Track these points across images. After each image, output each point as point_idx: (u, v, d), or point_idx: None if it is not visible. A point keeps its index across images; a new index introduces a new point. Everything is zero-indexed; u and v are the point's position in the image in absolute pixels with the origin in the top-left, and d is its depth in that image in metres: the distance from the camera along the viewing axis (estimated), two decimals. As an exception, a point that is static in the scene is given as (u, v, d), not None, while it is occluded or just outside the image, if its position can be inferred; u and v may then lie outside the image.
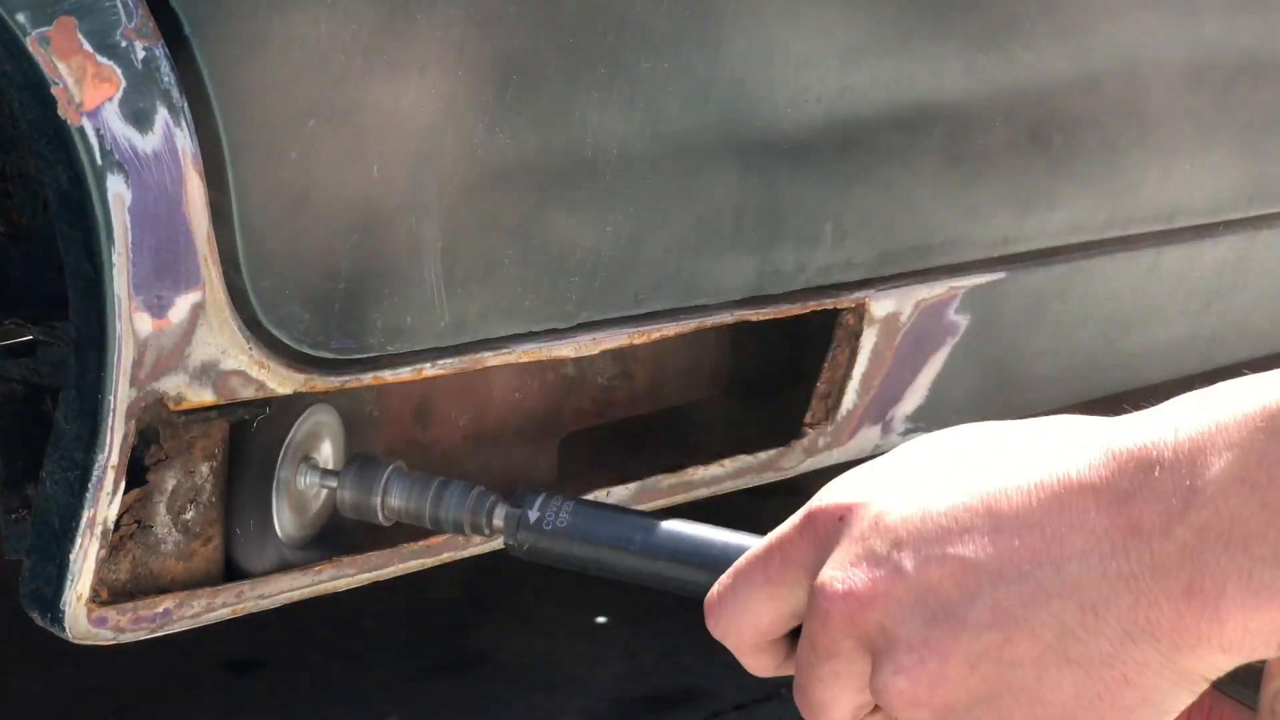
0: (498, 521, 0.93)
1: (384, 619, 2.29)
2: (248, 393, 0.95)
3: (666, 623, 2.28)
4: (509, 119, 1.00)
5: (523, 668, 2.18)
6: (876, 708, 0.67)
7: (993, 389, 1.35)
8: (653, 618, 2.31)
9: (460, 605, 2.34)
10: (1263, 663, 0.63)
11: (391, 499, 0.98)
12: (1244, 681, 0.63)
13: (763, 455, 1.23)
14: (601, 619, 2.32)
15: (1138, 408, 0.62)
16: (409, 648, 2.24)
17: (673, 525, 0.82)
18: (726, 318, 1.15)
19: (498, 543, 1.11)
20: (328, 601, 1.16)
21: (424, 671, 2.18)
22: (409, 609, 2.31)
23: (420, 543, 1.08)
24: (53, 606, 0.94)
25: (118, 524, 0.95)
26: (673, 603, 2.56)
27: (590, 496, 1.16)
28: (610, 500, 1.17)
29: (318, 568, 1.04)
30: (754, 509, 2.67)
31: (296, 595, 1.05)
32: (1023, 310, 1.34)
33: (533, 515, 0.86)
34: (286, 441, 1.00)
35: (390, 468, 0.98)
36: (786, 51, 1.12)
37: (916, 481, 0.65)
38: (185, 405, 0.94)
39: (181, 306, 0.91)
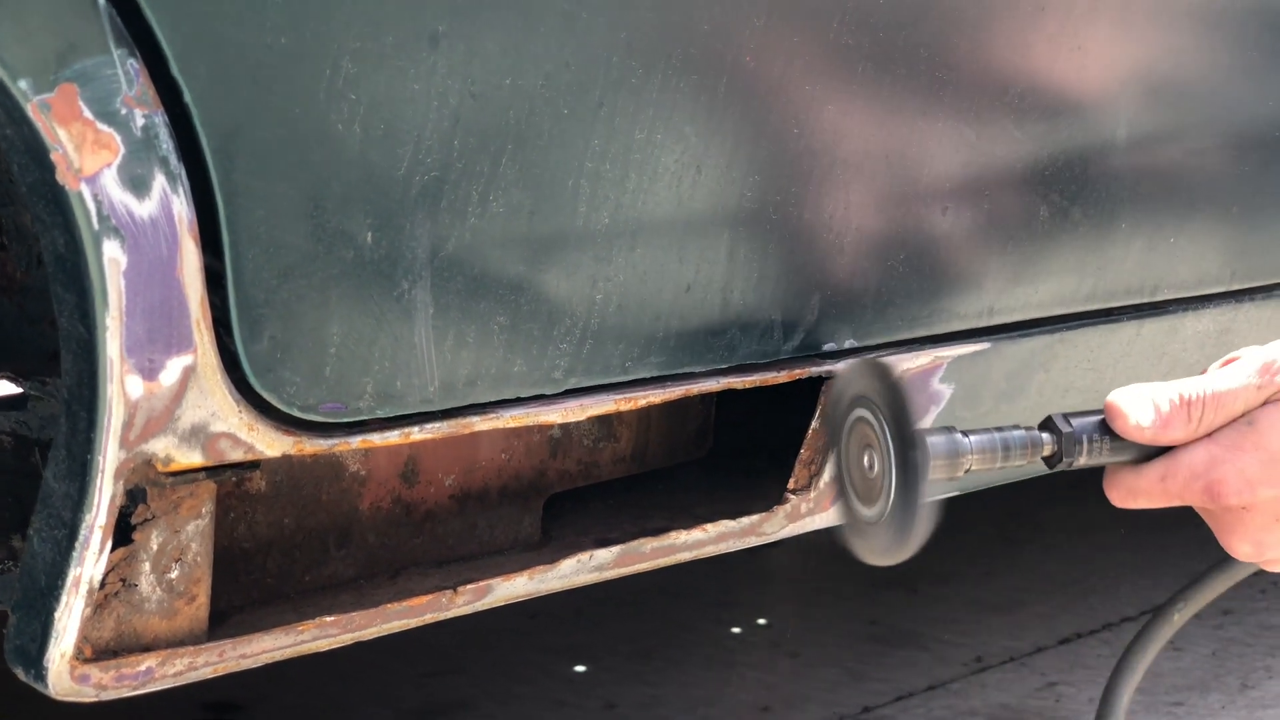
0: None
1: (363, 663, 2.29)
2: (236, 455, 0.96)
3: (646, 672, 2.29)
4: (502, 187, 1.01)
5: (502, 715, 2.18)
6: None
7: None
8: (633, 665, 2.31)
9: (440, 651, 2.34)
10: None
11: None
12: None
13: (745, 520, 1.23)
14: (580, 667, 2.32)
15: None
16: (388, 692, 2.24)
17: None
18: (712, 385, 1.16)
19: (484, 603, 1.13)
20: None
21: (402, 716, 2.18)
22: (389, 653, 2.31)
23: (403, 603, 1.09)
24: (36, 663, 0.95)
25: (103, 582, 0.95)
26: (654, 650, 2.56)
27: (574, 560, 1.17)
28: (593, 563, 1.18)
29: (300, 627, 1.05)
30: (742, 564, 2.67)
31: (279, 655, 1.05)
32: (1006, 380, 1.35)
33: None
34: None
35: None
36: (780, 123, 1.13)
37: None
38: (174, 467, 0.94)
39: (173, 369, 0.92)
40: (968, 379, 1.32)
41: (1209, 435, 1.04)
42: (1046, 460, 1.08)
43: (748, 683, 2.27)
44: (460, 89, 0.97)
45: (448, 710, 2.19)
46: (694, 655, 2.36)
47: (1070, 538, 2.81)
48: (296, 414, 0.97)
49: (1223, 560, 1.62)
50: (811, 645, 2.38)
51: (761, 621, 2.48)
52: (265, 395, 0.96)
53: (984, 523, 2.88)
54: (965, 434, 1.05)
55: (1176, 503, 1.06)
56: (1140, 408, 1.04)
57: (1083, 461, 1.07)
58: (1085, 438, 1.06)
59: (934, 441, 1.03)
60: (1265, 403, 1.03)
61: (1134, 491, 1.07)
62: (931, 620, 2.48)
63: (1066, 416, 1.07)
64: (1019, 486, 1.81)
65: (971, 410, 1.34)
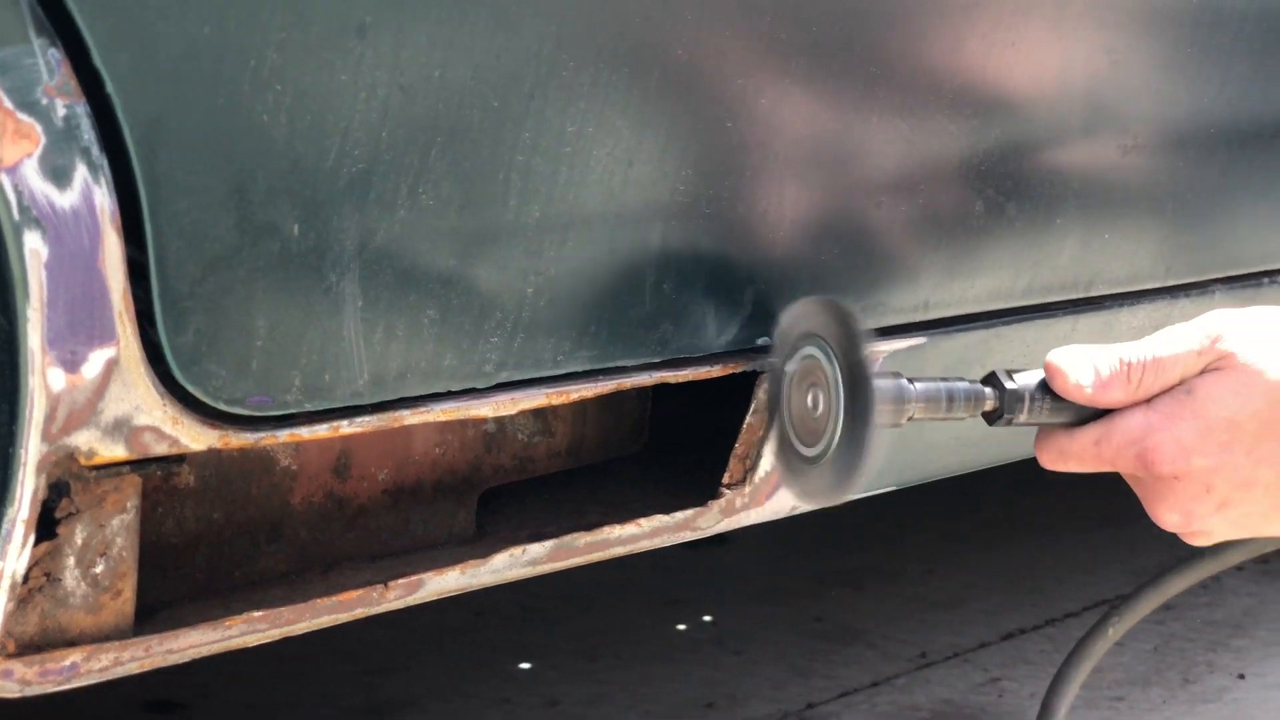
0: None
1: (307, 661, 2.28)
2: (160, 448, 0.95)
3: (592, 669, 2.29)
4: (431, 180, 1.01)
5: (446, 713, 2.17)
6: None
7: (910, 452, 1.36)
8: (578, 662, 2.31)
9: (384, 649, 2.34)
10: None
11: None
12: None
13: (679, 515, 1.23)
14: (526, 665, 2.31)
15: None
16: (331, 691, 2.23)
17: None
18: (645, 379, 1.16)
19: (416, 598, 1.12)
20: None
21: (345, 715, 2.17)
22: (333, 652, 2.30)
23: (333, 598, 1.08)
24: (-42, 659, 0.94)
25: (26, 577, 0.94)
26: (600, 648, 2.55)
27: (507, 554, 1.17)
28: (526, 557, 1.18)
29: (228, 622, 1.04)
30: (689, 561, 2.67)
31: (206, 650, 1.05)
32: (942, 374, 1.36)
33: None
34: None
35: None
36: (712, 117, 1.13)
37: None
38: (97, 460, 0.94)
39: (95, 362, 0.91)
40: (904, 372, 1.32)
41: (1147, 403, 1.03)
42: (987, 416, 1.07)
43: (692, 679, 2.27)
44: (388, 81, 0.97)
45: (391, 708, 2.19)
46: (639, 652, 2.35)
47: (1016, 535, 2.82)
48: (222, 407, 0.97)
49: (1169, 567, 1.64)
50: (757, 642, 2.39)
51: (707, 619, 2.48)
52: (190, 388, 0.95)
53: (930, 520, 2.89)
54: (911, 381, 1.05)
55: (1107, 468, 1.05)
56: (1081, 367, 1.04)
57: (1023, 419, 1.06)
58: (1027, 395, 1.06)
59: (881, 385, 1.02)
60: (1204, 370, 1.03)
61: (1065, 454, 1.06)
62: (877, 617, 2.49)
63: (1009, 373, 1.07)
64: (966, 483, 1.82)
65: (907, 405, 1.34)
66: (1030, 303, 1.39)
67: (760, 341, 1.21)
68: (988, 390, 1.06)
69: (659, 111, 1.10)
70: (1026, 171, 1.33)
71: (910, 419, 1.04)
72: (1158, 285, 1.48)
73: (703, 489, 1.27)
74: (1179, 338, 1.03)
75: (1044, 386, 1.05)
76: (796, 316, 1.05)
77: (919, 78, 1.24)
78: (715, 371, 1.20)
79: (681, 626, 2.45)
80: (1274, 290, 1.58)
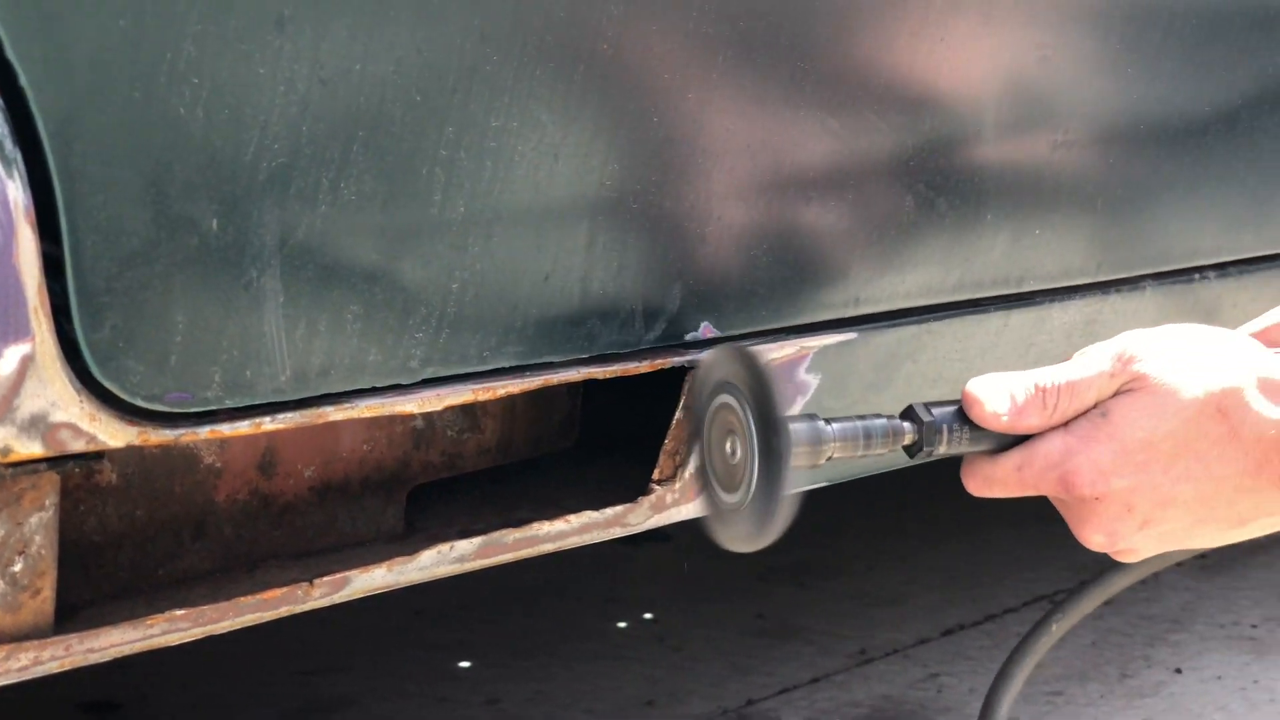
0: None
1: (245, 661, 2.26)
2: (78, 445, 0.94)
3: (531, 667, 2.28)
4: (353, 174, 1.00)
5: (385, 712, 2.17)
6: None
7: (842, 448, 1.36)
8: (518, 661, 2.30)
9: (324, 649, 2.32)
10: None
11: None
12: None
13: (609, 511, 1.23)
14: (465, 663, 2.31)
15: None
16: (269, 691, 2.22)
17: None
18: (573, 375, 1.16)
19: (342, 595, 1.11)
20: (187, 642, 1.15)
21: (284, 714, 2.16)
22: (271, 652, 2.29)
23: (256, 596, 1.07)
24: None
25: (-59, 576, 0.93)
26: (540, 646, 2.55)
27: (434, 551, 1.16)
28: (454, 554, 1.17)
29: (149, 621, 1.03)
30: (630, 559, 2.67)
31: (128, 649, 1.04)
32: (874, 370, 1.36)
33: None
34: None
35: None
36: (639, 112, 1.13)
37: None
38: (13, 458, 0.92)
39: (10, 358, 0.90)
40: (834, 369, 1.32)
41: (1065, 426, 1.05)
42: (907, 449, 1.08)
43: (632, 677, 2.27)
44: (308, 74, 0.96)
45: (330, 708, 2.18)
46: (580, 650, 2.35)
47: (957, 531, 2.83)
48: (141, 404, 0.96)
49: (1107, 572, 1.65)
50: (698, 639, 2.39)
51: (648, 616, 2.48)
52: (107, 385, 0.94)
53: (871, 516, 2.90)
54: (828, 422, 1.05)
55: (1031, 492, 1.07)
56: (996, 396, 1.05)
57: (943, 450, 1.07)
58: (945, 427, 1.07)
59: (796, 429, 1.03)
60: (1117, 392, 1.04)
61: (990, 480, 1.08)
62: (818, 613, 2.49)
63: (928, 406, 1.08)
64: (907, 479, 1.83)
65: (839, 400, 1.34)
66: (962, 298, 1.40)
67: (689, 337, 1.21)
68: (906, 424, 1.07)
69: (584, 106, 1.09)
70: (957, 167, 1.33)
71: (829, 459, 1.04)
72: (1089, 281, 1.49)
73: (634, 485, 1.26)
74: (1091, 361, 1.05)
75: (962, 416, 1.06)
76: (708, 367, 1.05)
77: (848, 73, 1.24)
78: (644, 367, 1.19)
79: (622, 624, 2.45)
80: (1204, 286, 1.59)
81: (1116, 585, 1.73)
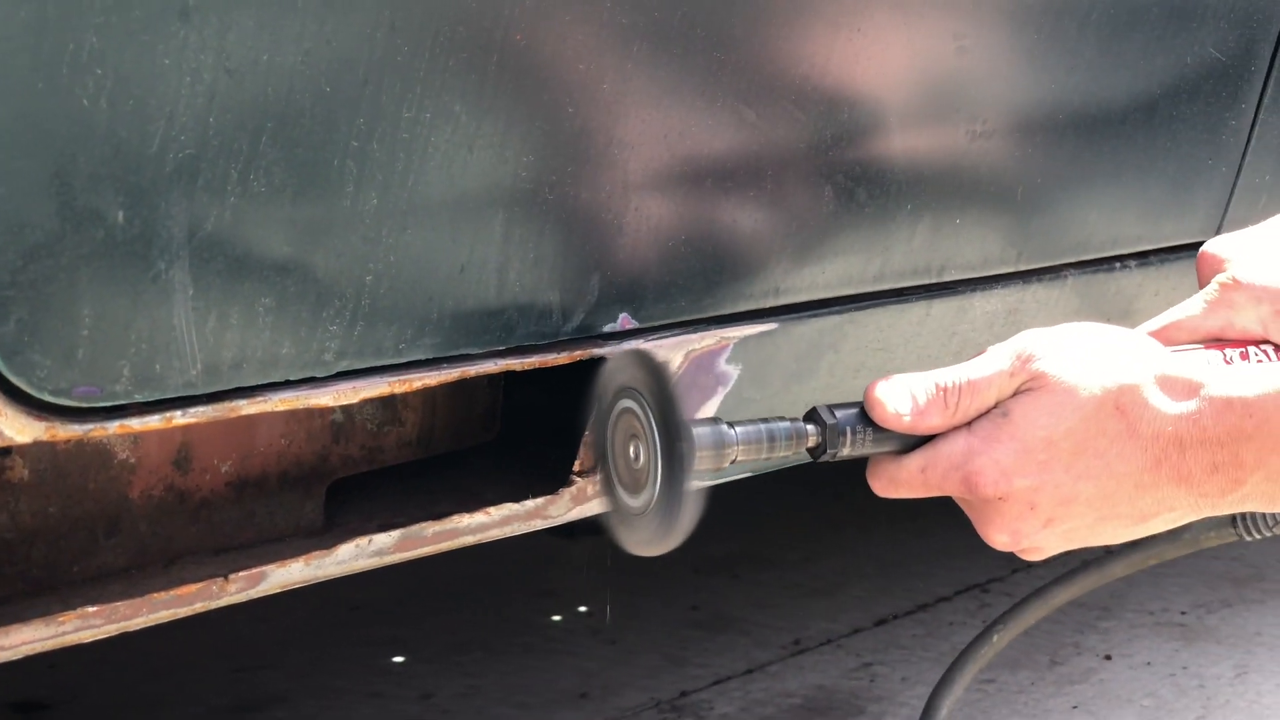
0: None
1: (176, 660, 2.25)
2: (-16, 441, 0.93)
3: (465, 662, 2.28)
4: (262, 166, 0.99)
5: (317, 708, 2.16)
6: None
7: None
8: (452, 655, 2.30)
9: (256, 646, 2.31)
10: None
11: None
12: None
13: (530, 503, 1.23)
14: (399, 659, 2.30)
15: None
16: (201, 689, 2.21)
17: None
18: (491, 367, 1.16)
19: (258, 590, 1.11)
20: (117, 641, 1.14)
21: (215, 712, 2.15)
22: (203, 650, 2.28)
23: (171, 592, 1.07)
24: None
25: None
26: (474, 641, 2.55)
27: (353, 545, 1.16)
28: (372, 548, 1.17)
29: (61, 618, 1.02)
30: (564, 552, 2.66)
31: (40, 647, 1.03)
32: (795, 360, 1.36)
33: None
34: None
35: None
36: (553, 103, 1.13)
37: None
38: (-83, 454, 0.92)
39: (-88, 353, 0.89)
40: (755, 359, 1.32)
41: (967, 427, 1.05)
42: (811, 451, 1.08)
43: (566, 670, 2.27)
44: (214, 64, 0.95)
45: (261, 705, 2.16)
46: (513, 644, 2.35)
47: (891, 521, 2.85)
48: (48, 398, 0.95)
49: (1055, 580, 1.66)
50: (632, 632, 2.39)
51: (582, 609, 2.48)
52: (13, 379, 0.93)
53: (806, 507, 2.91)
54: (731, 425, 1.05)
55: (936, 493, 1.07)
56: (898, 397, 1.06)
57: (846, 452, 1.08)
58: (848, 428, 1.07)
59: (700, 432, 1.03)
60: (1017, 391, 1.05)
61: (895, 481, 1.09)
62: (752, 605, 2.50)
63: (831, 408, 1.08)
64: (840, 468, 1.83)
65: (760, 391, 1.34)
66: (883, 288, 1.40)
67: (608, 328, 1.21)
68: (809, 427, 1.07)
69: (498, 97, 1.09)
70: (876, 157, 1.34)
71: (733, 462, 1.05)
72: (1010, 270, 1.49)
73: (556, 478, 1.26)
74: (991, 360, 1.06)
75: (865, 417, 1.07)
76: (609, 373, 1.05)
77: (765, 63, 1.24)
78: (562, 358, 1.19)
79: (556, 617, 2.45)
80: (1126, 275, 1.60)
81: (1059, 598, 1.74)
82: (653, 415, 1.00)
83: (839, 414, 1.07)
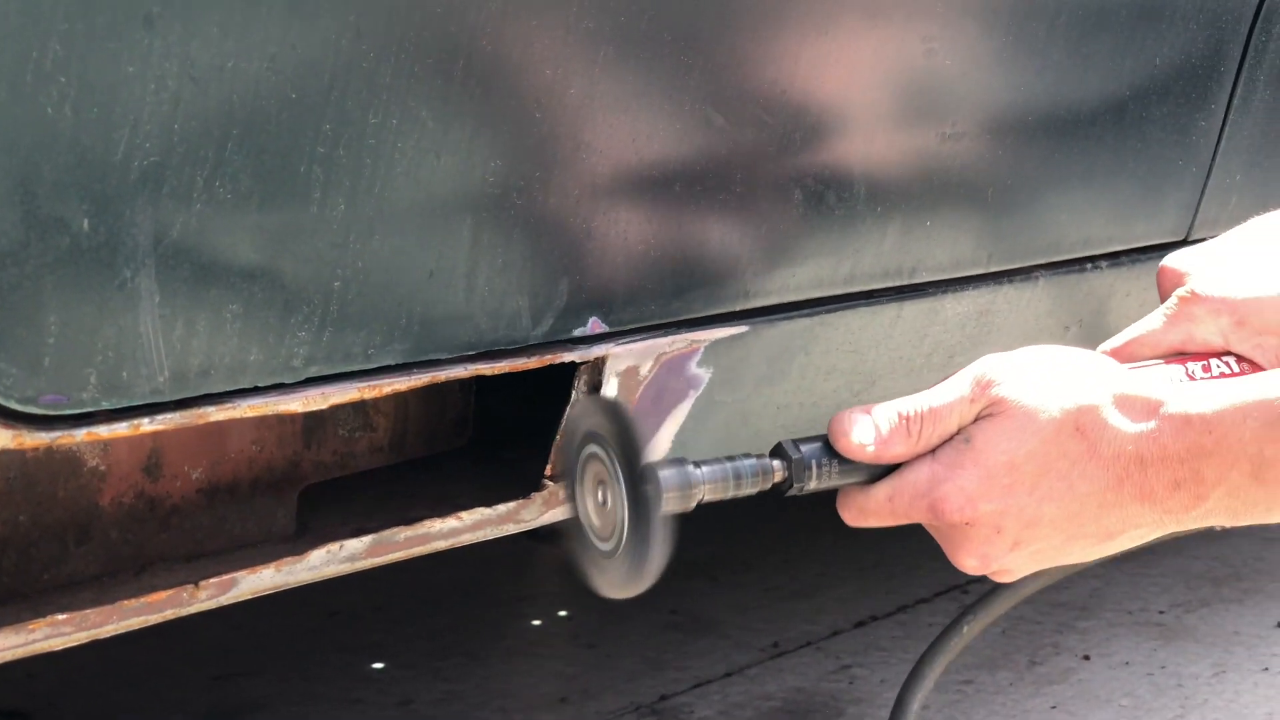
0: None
1: (155, 668, 2.25)
2: (-50, 450, 0.93)
3: (445, 667, 2.28)
4: (228, 173, 0.99)
5: (296, 715, 2.15)
6: None
7: (737, 442, 1.37)
8: (431, 661, 2.29)
9: (235, 653, 2.31)
10: None
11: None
12: None
13: (501, 508, 1.23)
14: (378, 665, 2.30)
15: None
16: (179, 696, 2.20)
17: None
18: (460, 372, 1.16)
19: (229, 597, 1.11)
20: (94, 649, 1.14)
21: (195, 719, 2.14)
22: (182, 657, 2.27)
23: (141, 600, 1.07)
24: None
25: None
26: (453, 646, 2.54)
27: (324, 550, 1.16)
28: (344, 554, 1.17)
29: (31, 625, 1.02)
30: (545, 557, 2.66)
31: (10, 655, 1.03)
32: (766, 363, 1.37)
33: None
34: None
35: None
36: (521, 108, 1.13)
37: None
38: (-117, 463, 0.92)
39: (-124, 362, 0.89)
40: (726, 362, 1.33)
41: (931, 454, 1.06)
42: (777, 487, 1.08)
43: (546, 674, 2.27)
44: (179, 72, 0.95)
45: (240, 712, 2.16)
46: (493, 649, 2.35)
47: (871, 523, 2.85)
48: (15, 406, 0.95)
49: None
50: (612, 636, 2.39)
51: (563, 614, 2.48)
52: (-21, 387, 0.93)
53: (786, 510, 2.91)
54: (697, 465, 1.06)
55: (904, 521, 1.08)
56: (860, 427, 1.06)
57: (813, 485, 1.08)
58: (814, 462, 1.07)
59: (665, 475, 1.04)
60: (979, 417, 1.06)
61: (864, 511, 1.09)
62: (732, 608, 2.50)
63: (796, 442, 1.08)
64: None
65: (731, 394, 1.35)
66: (854, 290, 1.40)
67: (578, 332, 1.21)
68: (775, 463, 1.07)
69: (465, 102, 1.09)
70: (845, 159, 1.34)
71: (700, 502, 1.05)
72: (981, 271, 1.50)
73: (528, 482, 1.27)
74: (951, 387, 1.07)
75: (830, 449, 1.07)
76: (575, 419, 1.06)
77: (732, 66, 1.24)
78: (532, 363, 1.19)
79: (536, 622, 2.45)
80: (1097, 276, 1.60)
81: (1026, 589, 1.75)
82: (617, 460, 1.01)
83: (804, 448, 1.07)
